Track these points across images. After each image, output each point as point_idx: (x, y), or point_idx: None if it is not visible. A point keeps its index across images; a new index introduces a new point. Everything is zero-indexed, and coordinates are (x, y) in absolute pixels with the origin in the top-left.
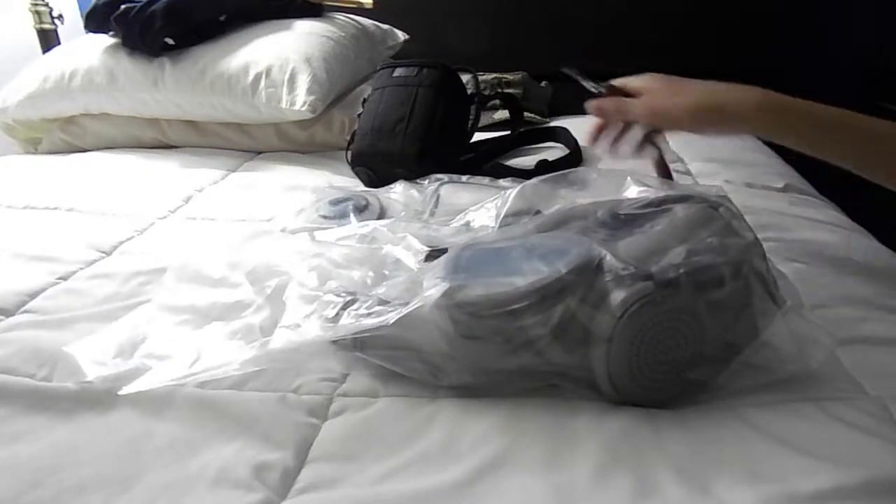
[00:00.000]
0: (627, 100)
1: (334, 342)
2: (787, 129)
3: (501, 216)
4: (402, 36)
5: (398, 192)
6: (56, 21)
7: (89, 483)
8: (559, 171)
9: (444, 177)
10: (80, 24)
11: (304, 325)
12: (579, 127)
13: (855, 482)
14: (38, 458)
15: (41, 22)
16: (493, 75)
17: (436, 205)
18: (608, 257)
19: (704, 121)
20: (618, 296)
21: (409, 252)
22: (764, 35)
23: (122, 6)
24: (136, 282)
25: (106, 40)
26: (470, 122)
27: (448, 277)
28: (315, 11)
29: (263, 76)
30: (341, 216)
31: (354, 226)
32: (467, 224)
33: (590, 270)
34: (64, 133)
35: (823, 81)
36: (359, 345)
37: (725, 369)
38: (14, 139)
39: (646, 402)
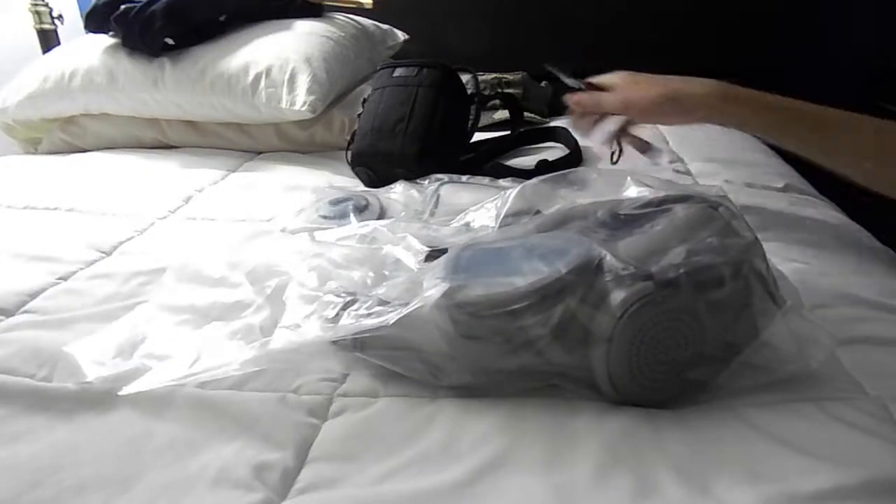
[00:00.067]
0: (602, 94)
1: (334, 342)
2: (740, 115)
3: (501, 216)
4: (402, 36)
5: (398, 192)
6: (56, 21)
7: (89, 483)
8: (559, 171)
9: (444, 177)
10: (80, 24)
11: (304, 326)
12: None
13: (855, 482)
14: (38, 458)
15: (41, 22)
16: (493, 75)
17: (436, 205)
18: (608, 257)
19: (668, 110)
20: (618, 296)
21: (409, 252)
22: (764, 35)
23: (122, 6)
24: (136, 282)
25: (106, 40)
26: (470, 122)
27: (448, 277)
28: (315, 11)
29: (263, 76)
30: (341, 216)
31: (354, 226)
32: (467, 224)
33: (590, 270)
34: (64, 133)
35: (823, 81)
36: (359, 345)
37: (725, 369)
38: (14, 139)
39: (646, 402)
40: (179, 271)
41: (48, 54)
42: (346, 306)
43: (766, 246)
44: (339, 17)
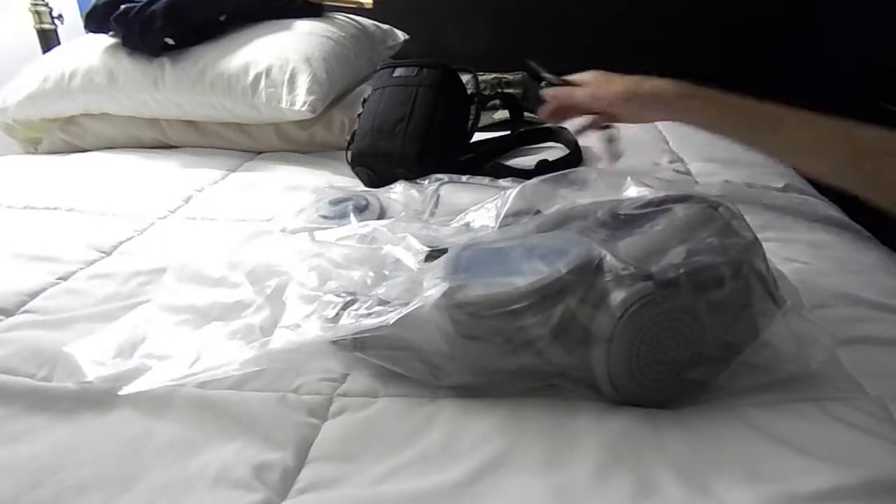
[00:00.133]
0: (574, 88)
1: (334, 342)
2: (699, 114)
3: (501, 216)
4: (402, 36)
5: (398, 192)
6: (56, 21)
7: (89, 483)
8: (559, 171)
9: (444, 177)
10: (80, 24)
11: (304, 326)
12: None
13: (855, 482)
14: (38, 458)
15: (41, 22)
16: (493, 75)
17: (436, 205)
18: (608, 257)
19: (631, 106)
20: (618, 296)
21: (409, 252)
22: (764, 35)
23: (122, 6)
24: (136, 282)
25: (106, 40)
26: (470, 122)
27: (448, 277)
28: (315, 11)
29: (263, 76)
30: (341, 216)
31: (354, 226)
32: (467, 224)
33: (590, 270)
34: (64, 133)
35: (823, 81)
36: (359, 345)
37: (725, 369)
38: (14, 139)
39: (646, 402)
40: (179, 271)
41: (48, 54)
42: (346, 306)
43: (766, 246)
44: (339, 17)
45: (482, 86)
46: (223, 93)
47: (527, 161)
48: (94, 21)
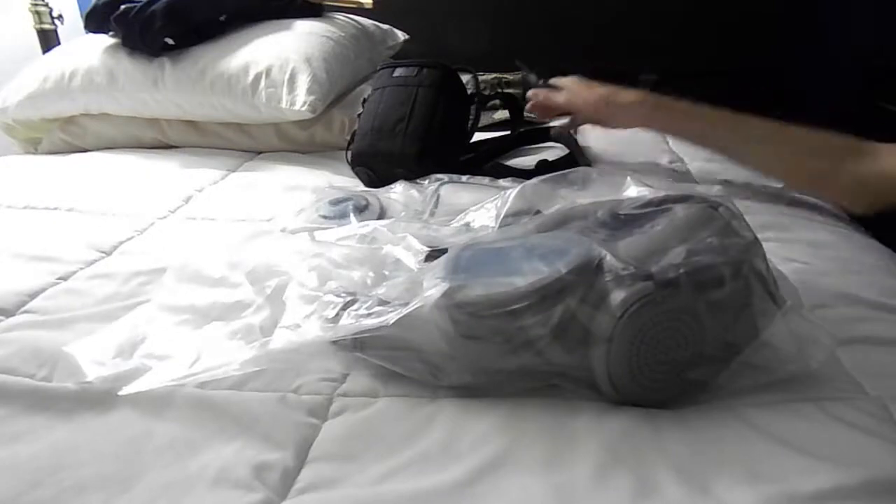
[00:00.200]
0: (554, 92)
1: (334, 342)
2: (660, 118)
3: (501, 216)
4: (402, 36)
5: (398, 192)
6: (56, 21)
7: (89, 483)
8: (559, 171)
9: (444, 177)
10: (80, 24)
11: (304, 326)
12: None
13: (855, 482)
14: (38, 458)
15: (41, 22)
16: (493, 75)
17: (436, 205)
18: (608, 257)
19: (603, 111)
20: (618, 296)
21: (409, 252)
22: (764, 35)
23: (122, 6)
24: (136, 282)
25: (106, 40)
26: (470, 122)
27: (448, 277)
28: (315, 11)
29: (263, 76)
30: (341, 216)
31: (354, 226)
32: (467, 224)
33: (590, 270)
34: (64, 133)
35: (823, 81)
36: (359, 345)
37: (725, 369)
38: (14, 139)
39: (646, 402)
40: (179, 271)
41: (48, 54)
42: (346, 306)
43: (766, 246)
44: (339, 17)
45: (482, 86)
46: (223, 93)
47: (527, 161)
48: (94, 21)
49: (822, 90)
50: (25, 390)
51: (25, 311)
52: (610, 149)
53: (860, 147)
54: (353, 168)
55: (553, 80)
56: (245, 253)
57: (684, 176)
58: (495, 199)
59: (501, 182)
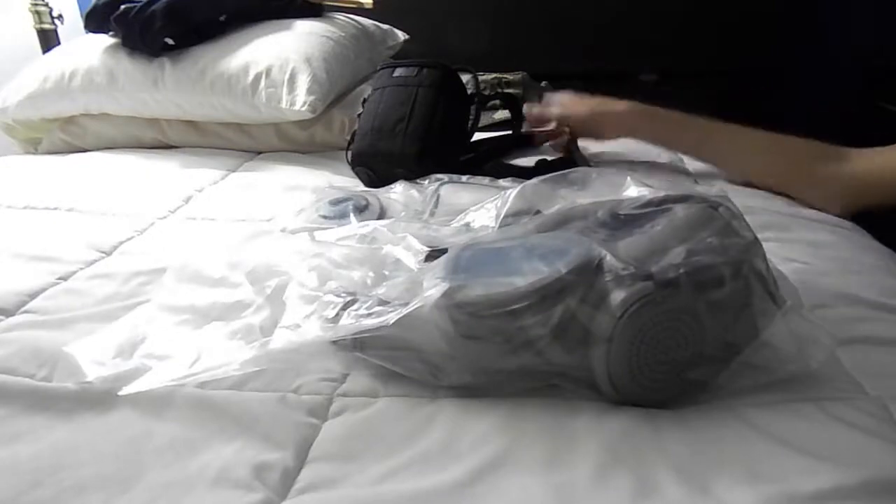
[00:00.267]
0: (549, 107)
1: (334, 342)
2: (649, 128)
3: (501, 216)
4: (402, 36)
5: (398, 192)
6: (56, 21)
7: (89, 483)
8: (559, 170)
9: (444, 177)
10: (80, 24)
11: (304, 326)
12: None
13: (855, 482)
14: (38, 458)
15: (41, 22)
16: (493, 75)
17: (436, 205)
18: (608, 257)
19: (595, 123)
20: (618, 296)
21: (409, 252)
22: (764, 35)
23: (122, 6)
24: (136, 282)
25: (106, 40)
26: (470, 122)
27: (448, 277)
28: (315, 11)
29: (263, 76)
30: (341, 216)
31: (354, 226)
32: (467, 224)
33: (590, 270)
34: (64, 133)
35: (823, 81)
36: (359, 345)
37: (725, 369)
38: (14, 139)
39: (646, 402)
40: (179, 271)
41: (48, 54)
42: (346, 306)
43: (766, 246)
44: (339, 17)
45: (482, 86)
46: (223, 93)
47: (527, 161)
48: (94, 21)
49: (822, 90)
50: (25, 390)
51: (25, 311)
52: (609, 149)
53: (836, 152)
54: (353, 168)
55: (546, 96)
56: (245, 253)
57: (684, 176)
58: (495, 199)
59: (501, 182)
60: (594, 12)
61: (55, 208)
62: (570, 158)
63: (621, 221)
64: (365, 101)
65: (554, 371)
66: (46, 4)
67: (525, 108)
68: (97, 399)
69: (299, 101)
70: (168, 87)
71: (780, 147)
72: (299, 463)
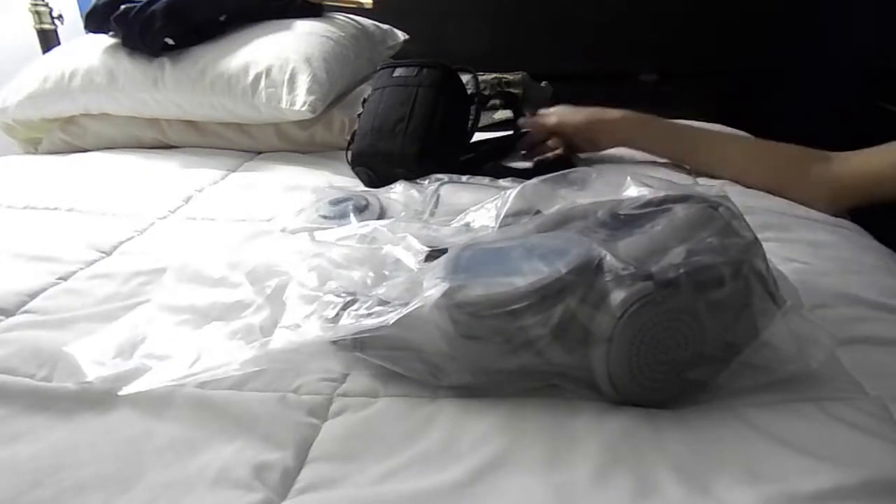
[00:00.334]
0: (546, 117)
1: (334, 342)
2: (640, 135)
3: (501, 216)
4: (402, 36)
5: (398, 192)
6: (56, 21)
7: (89, 483)
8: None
9: (444, 177)
10: (80, 24)
11: (304, 326)
12: None
13: (855, 482)
14: (38, 458)
15: (41, 22)
16: (493, 75)
17: (436, 205)
18: (608, 257)
19: (591, 130)
20: (618, 296)
21: (409, 252)
22: (764, 35)
23: (122, 6)
24: (136, 282)
25: (106, 40)
26: (470, 122)
27: (448, 277)
28: (315, 11)
29: (263, 76)
30: (341, 216)
31: (354, 226)
32: (467, 224)
33: (590, 270)
34: (64, 133)
35: (823, 81)
36: (359, 345)
37: (725, 369)
38: (14, 139)
39: (646, 402)
40: (179, 271)
41: (48, 54)
42: (346, 306)
43: (766, 246)
44: (339, 17)
45: (482, 86)
46: (223, 93)
47: (527, 161)
48: (94, 21)
49: (822, 90)
50: (25, 390)
51: (25, 311)
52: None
53: (820, 155)
54: (353, 168)
55: (541, 111)
56: (245, 253)
57: (684, 175)
58: (495, 200)
59: (501, 182)
60: (594, 12)
61: (55, 208)
62: (569, 163)
63: (621, 221)
64: (365, 101)
65: (554, 371)
66: (46, 4)
67: (520, 120)
68: (97, 399)
69: (299, 101)
70: (168, 87)
71: (769, 153)
72: (299, 463)
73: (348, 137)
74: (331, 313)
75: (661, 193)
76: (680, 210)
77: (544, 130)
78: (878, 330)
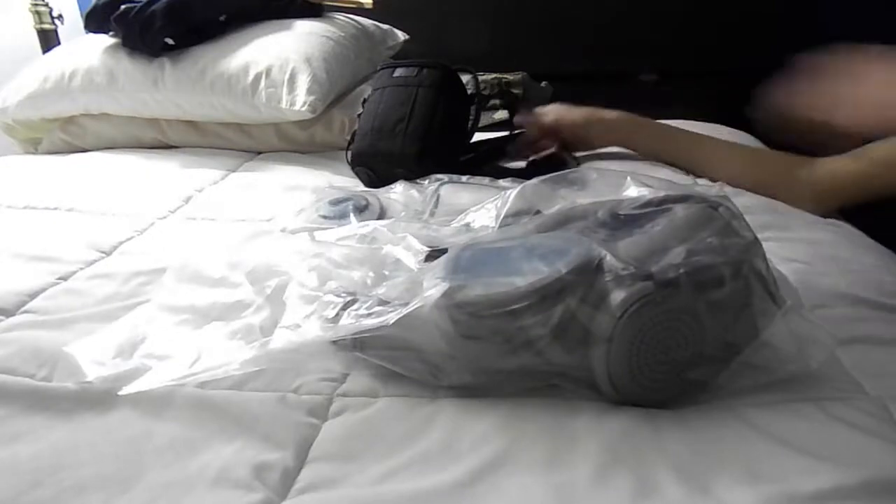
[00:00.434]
0: (542, 115)
1: (334, 342)
2: (634, 136)
3: (501, 216)
4: (402, 36)
5: (398, 192)
6: (56, 21)
7: (89, 483)
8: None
9: (444, 177)
10: (80, 24)
11: (304, 326)
12: None
13: (855, 482)
14: (38, 458)
15: (41, 22)
16: (493, 75)
17: (436, 205)
18: (608, 257)
19: (586, 128)
20: (618, 296)
21: (409, 252)
22: (764, 35)
23: (122, 6)
24: (136, 282)
25: (106, 40)
26: (470, 122)
27: (448, 277)
28: (315, 11)
29: (263, 76)
30: (341, 216)
31: (354, 226)
32: (467, 224)
33: (590, 270)
34: (64, 133)
35: None
36: (359, 345)
37: (725, 369)
38: (14, 139)
39: (646, 402)
40: (179, 271)
41: (48, 54)
42: (346, 306)
43: (766, 246)
44: (339, 17)
45: (482, 86)
46: (223, 93)
47: (519, 161)
48: (94, 21)
49: None
50: (25, 390)
51: (25, 311)
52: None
53: (804, 160)
54: (353, 168)
55: (537, 109)
56: (245, 253)
57: (684, 175)
58: (495, 200)
59: (501, 182)
60: (594, 12)
61: (55, 208)
62: (562, 161)
63: (621, 221)
64: (365, 101)
65: (554, 371)
66: (46, 4)
67: (516, 118)
68: (97, 399)
69: (299, 101)
70: (168, 87)
71: (756, 157)
72: (299, 463)
73: (348, 137)
74: (331, 313)
75: (661, 193)
76: (680, 210)
77: (540, 128)
78: (878, 330)
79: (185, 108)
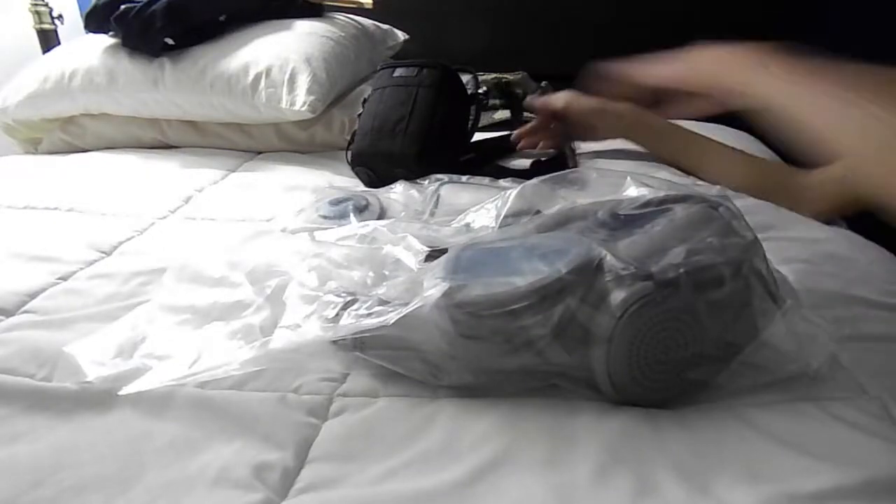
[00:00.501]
0: (554, 98)
1: (334, 342)
2: (639, 129)
3: (501, 216)
4: (402, 36)
5: (398, 192)
6: (56, 21)
7: (89, 483)
8: (554, 171)
9: (444, 177)
10: (80, 24)
11: (304, 326)
12: None
13: (855, 482)
14: (38, 458)
15: (41, 22)
16: (493, 75)
17: (436, 205)
18: (608, 257)
19: (595, 117)
20: (618, 296)
21: (409, 252)
22: (764, 35)
23: (122, 6)
24: (136, 282)
25: (106, 40)
26: (470, 122)
27: (448, 277)
28: (315, 11)
29: (263, 76)
30: (341, 216)
31: (354, 226)
32: (467, 224)
33: (590, 270)
34: (64, 133)
35: None
36: (359, 345)
37: (725, 369)
38: (14, 139)
39: (646, 402)
40: (179, 271)
41: (48, 54)
42: (346, 306)
43: (766, 246)
44: (339, 17)
45: (482, 86)
46: (223, 93)
47: (527, 162)
48: (94, 21)
49: None
50: (25, 390)
51: (25, 311)
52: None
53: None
54: (353, 168)
55: (546, 95)
56: (245, 253)
57: (684, 175)
58: (495, 200)
59: (501, 182)
60: (594, 12)
61: (55, 208)
62: (562, 154)
63: (621, 221)
64: (365, 101)
65: (554, 371)
66: (46, 4)
67: (527, 100)
68: (97, 399)
69: (299, 101)
70: (168, 87)
71: (755, 162)
72: (299, 463)
73: (348, 137)
74: (331, 313)
75: (661, 193)
76: (680, 210)
77: (551, 112)
78: (878, 329)
79: (185, 108)
